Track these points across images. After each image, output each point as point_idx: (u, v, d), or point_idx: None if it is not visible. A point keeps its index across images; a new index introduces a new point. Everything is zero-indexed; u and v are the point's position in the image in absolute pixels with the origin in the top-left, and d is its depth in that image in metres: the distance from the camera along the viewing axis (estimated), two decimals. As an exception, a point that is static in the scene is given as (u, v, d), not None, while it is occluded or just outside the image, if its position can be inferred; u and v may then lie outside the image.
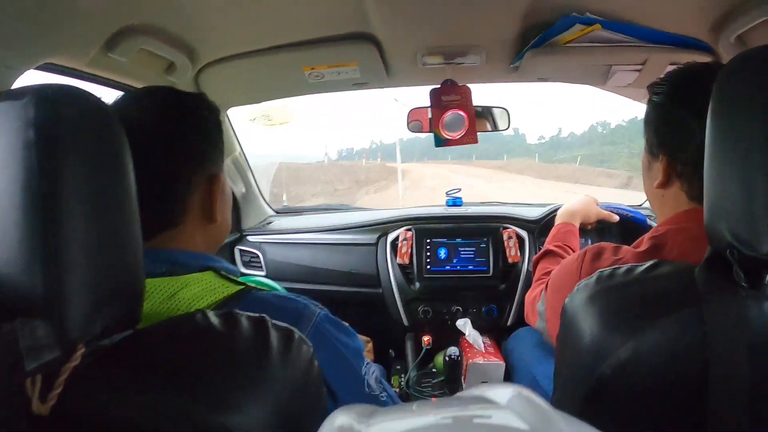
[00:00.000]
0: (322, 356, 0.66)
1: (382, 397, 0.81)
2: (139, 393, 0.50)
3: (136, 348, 0.54)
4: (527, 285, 1.60)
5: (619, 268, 0.70)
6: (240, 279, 0.76)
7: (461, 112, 1.36)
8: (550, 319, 0.96)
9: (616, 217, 1.53)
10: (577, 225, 1.41)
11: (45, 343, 0.45)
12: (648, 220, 1.59)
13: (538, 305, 1.04)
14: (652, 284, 0.66)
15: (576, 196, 1.53)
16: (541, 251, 1.30)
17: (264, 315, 0.61)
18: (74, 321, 0.46)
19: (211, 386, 0.52)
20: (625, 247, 0.85)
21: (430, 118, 1.43)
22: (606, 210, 1.53)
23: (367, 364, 0.83)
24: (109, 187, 0.50)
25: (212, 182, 0.79)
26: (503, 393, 0.38)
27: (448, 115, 1.36)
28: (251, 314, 0.60)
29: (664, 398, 0.62)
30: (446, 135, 1.38)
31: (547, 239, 1.37)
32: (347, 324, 0.81)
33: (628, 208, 1.59)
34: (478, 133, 1.41)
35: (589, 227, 1.51)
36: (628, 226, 1.57)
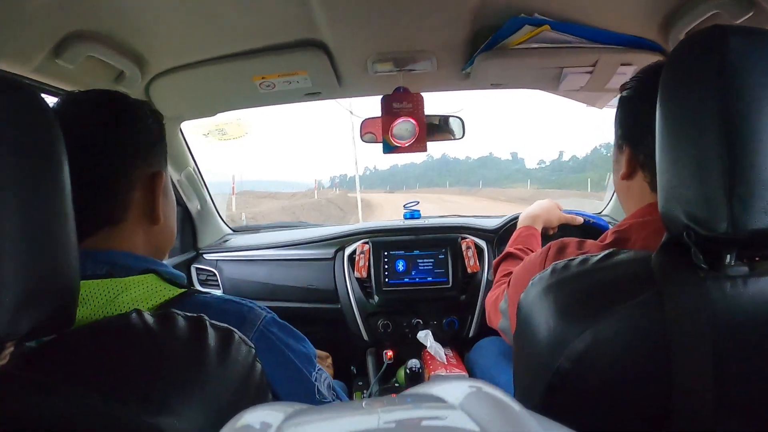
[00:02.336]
0: (268, 360, 0.63)
1: None
2: (65, 394, 0.46)
3: (66, 348, 0.51)
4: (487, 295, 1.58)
5: (574, 259, 0.69)
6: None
7: (412, 120, 1.35)
8: (513, 317, 0.93)
9: (580, 219, 1.52)
10: (539, 229, 1.40)
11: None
12: (610, 226, 1.58)
13: (501, 304, 1.02)
14: (608, 272, 0.65)
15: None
16: (502, 254, 1.29)
17: (202, 315, 0.57)
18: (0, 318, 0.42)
19: (141, 386, 0.49)
20: (590, 241, 0.84)
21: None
22: (568, 214, 1.52)
23: (319, 370, 0.80)
24: (40, 178, 0.47)
25: (154, 179, 0.76)
26: (457, 390, 0.34)
27: (398, 123, 1.35)
28: (189, 314, 0.57)
29: (626, 388, 0.60)
30: (395, 142, 1.36)
31: (509, 242, 1.36)
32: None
33: (591, 214, 1.58)
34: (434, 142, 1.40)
35: (552, 232, 1.50)
36: (590, 232, 1.56)
